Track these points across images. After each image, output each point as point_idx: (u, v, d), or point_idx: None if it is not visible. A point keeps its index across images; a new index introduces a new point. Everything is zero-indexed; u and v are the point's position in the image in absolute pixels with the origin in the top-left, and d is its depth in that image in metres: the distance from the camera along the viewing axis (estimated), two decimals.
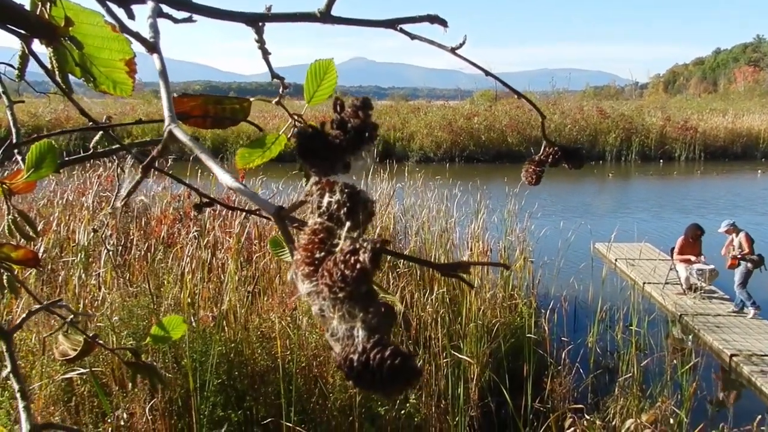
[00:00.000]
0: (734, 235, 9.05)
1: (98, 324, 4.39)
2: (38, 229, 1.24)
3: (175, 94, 0.78)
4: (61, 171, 1.01)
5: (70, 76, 0.87)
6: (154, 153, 0.51)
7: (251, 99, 0.90)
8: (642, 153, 29.00)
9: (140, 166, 0.52)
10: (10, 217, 1.06)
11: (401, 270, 6.48)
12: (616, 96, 60.99)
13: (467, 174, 16.68)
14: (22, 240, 1.10)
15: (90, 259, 5.91)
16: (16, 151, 1.03)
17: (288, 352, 4.64)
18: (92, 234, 6.08)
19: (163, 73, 0.60)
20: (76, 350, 1.12)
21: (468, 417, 5.09)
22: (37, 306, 1.09)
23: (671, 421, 4.99)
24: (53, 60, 0.83)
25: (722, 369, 7.40)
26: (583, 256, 9.92)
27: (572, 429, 4.69)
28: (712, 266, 9.45)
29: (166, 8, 0.71)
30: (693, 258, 9.59)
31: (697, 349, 7.36)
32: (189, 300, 5.01)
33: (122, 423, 4.05)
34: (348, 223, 0.37)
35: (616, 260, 11.12)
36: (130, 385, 4.01)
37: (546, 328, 6.12)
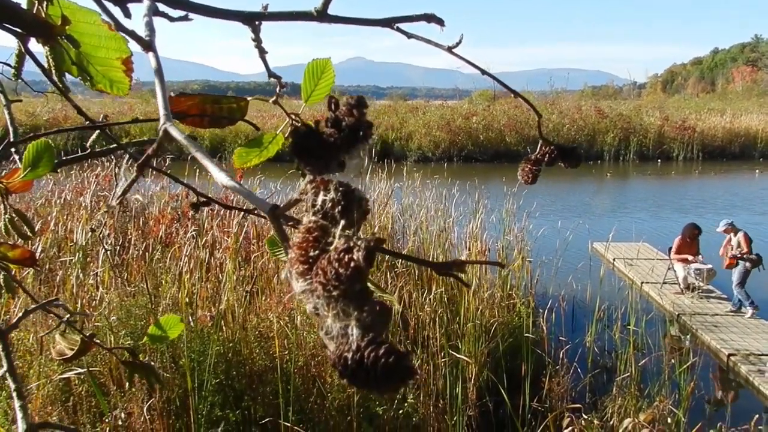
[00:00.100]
0: (732, 234, 9.06)
1: (96, 324, 4.39)
2: (36, 228, 1.23)
3: (172, 93, 0.78)
4: (58, 170, 1.00)
5: (67, 75, 0.87)
6: (149, 152, 0.51)
7: (249, 98, 0.90)
8: (640, 153, 29.05)
9: (136, 165, 0.52)
10: (6, 216, 1.05)
11: (399, 270, 6.48)
12: (614, 96, 61.11)
13: (465, 173, 16.69)
14: (19, 239, 1.10)
15: (88, 259, 5.90)
16: (13, 150, 1.03)
17: (286, 352, 4.64)
18: (90, 233, 6.07)
19: (159, 71, 0.60)
20: (73, 350, 1.12)
21: (466, 416, 5.09)
22: (34, 305, 1.09)
23: (669, 420, 5.00)
24: (50, 59, 0.83)
25: (720, 368, 7.41)
26: (581, 255, 9.92)
27: (570, 428, 4.69)
28: (709, 266, 9.47)
29: (162, 6, 0.71)
30: (690, 257, 9.60)
31: (695, 348, 7.37)
32: (187, 300, 5.01)
33: (120, 423, 4.04)
34: (342, 222, 0.37)
35: (614, 260, 11.14)
36: (127, 384, 4.01)
37: (544, 328, 6.13)
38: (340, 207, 0.37)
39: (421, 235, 7.93)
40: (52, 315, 1.15)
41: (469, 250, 7.47)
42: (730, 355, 7.37)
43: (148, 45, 0.62)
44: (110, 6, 0.75)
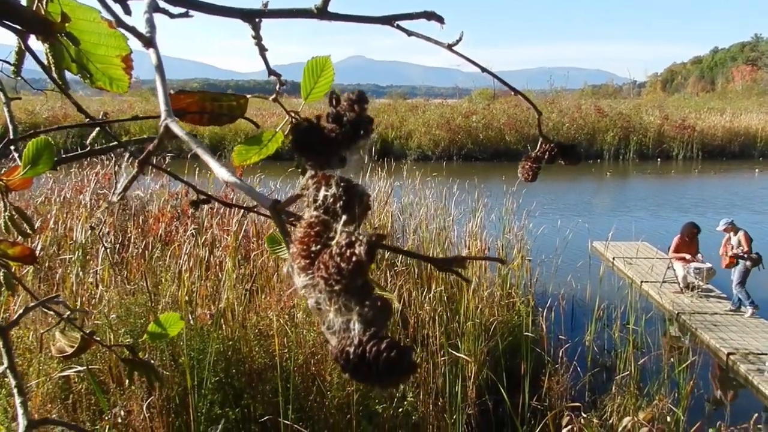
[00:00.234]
0: (732, 233, 9.06)
1: (95, 322, 4.39)
2: (35, 226, 1.23)
3: (172, 91, 0.78)
4: (58, 168, 1.00)
5: (67, 73, 0.87)
6: (150, 148, 0.51)
7: (248, 96, 0.90)
8: (640, 152, 29.06)
9: (137, 161, 0.52)
10: (6, 213, 1.05)
11: (399, 268, 6.48)
12: (614, 95, 61.08)
13: (465, 172, 16.68)
14: (19, 237, 1.10)
15: (87, 257, 5.90)
16: (12, 147, 1.03)
17: (286, 350, 4.64)
18: (90, 232, 6.07)
19: (160, 67, 0.59)
20: (73, 347, 1.12)
21: (465, 415, 5.10)
22: (34, 303, 1.09)
23: (668, 419, 5.01)
24: (50, 56, 0.83)
25: (719, 367, 7.42)
26: (581, 254, 9.92)
27: (569, 427, 4.69)
28: (709, 265, 9.47)
29: (162, 3, 0.71)
30: (688, 256, 9.61)
31: (694, 347, 7.37)
32: (186, 298, 5.01)
33: (119, 420, 4.04)
34: (344, 217, 0.37)
35: (613, 259, 11.14)
36: (127, 382, 4.01)
37: (543, 327, 6.13)
38: (341, 202, 0.37)
39: (420, 233, 7.93)
40: (51, 313, 1.15)
41: (469, 248, 7.47)
42: (729, 354, 7.38)
43: (148, 41, 0.62)
44: (110, 2, 0.75)
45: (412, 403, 4.75)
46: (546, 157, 0.93)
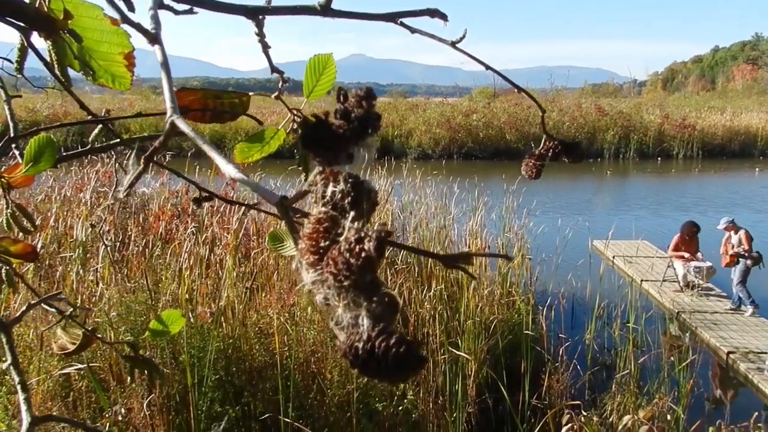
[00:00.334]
0: (732, 232, 9.06)
1: (96, 320, 4.39)
2: (36, 223, 1.23)
3: (174, 89, 0.78)
4: (59, 166, 1.00)
5: (69, 70, 0.87)
6: (156, 144, 0.51)
7: (250, 94, 0.89)
8: (640, 150, 29.06)
9: (142, 158, 0.52)
10: (8, 211, 1.05)
11: (399, 267, 6.48)
12: (614, 93, 61.00)
13: (465, 171, 16.67)
14: (20, 234, 1.10)
15: (88, 255, 5.90)
16: (13, 145, 1.03)
17: (286, 348, 4.64)
18: (90, 230, 6.07)
19: (165, 64, 0.59)
20: (74, 344, 1.12)
21: (465, 413, 5.10)
22: (36, 299, 1.09)
23: (668, 417, 5.01)
24: (52, 53, 0.83)
25: (719, 366, 7.42)
26: (581, 253, 9.92)
27: (569, 425, 4.69)
28: (709, 263, 9.48)
29: (167, 0, 0.70)
30: (687, 255, 9.61)
31: (695, 346, 7.38)
32: (187, 296, 5.01)
33: (120, 418, 4.05)
34: (352, 213, 0.37)
35: (613, 257, 11.15)
36: (128, 380, 4.01)
37: (543, 325, 6.14)
38: (349, 198, 0.37)
39: (421, 232, 7.93)
40: (51, 311, 1.15)
41: (469, 247, 7.47)
42: (729, 352, 7.38)
43: (154, 38, 0.62)
44: None
45: (412, 401, 4.76)
46: (550, 154, 0.93)
